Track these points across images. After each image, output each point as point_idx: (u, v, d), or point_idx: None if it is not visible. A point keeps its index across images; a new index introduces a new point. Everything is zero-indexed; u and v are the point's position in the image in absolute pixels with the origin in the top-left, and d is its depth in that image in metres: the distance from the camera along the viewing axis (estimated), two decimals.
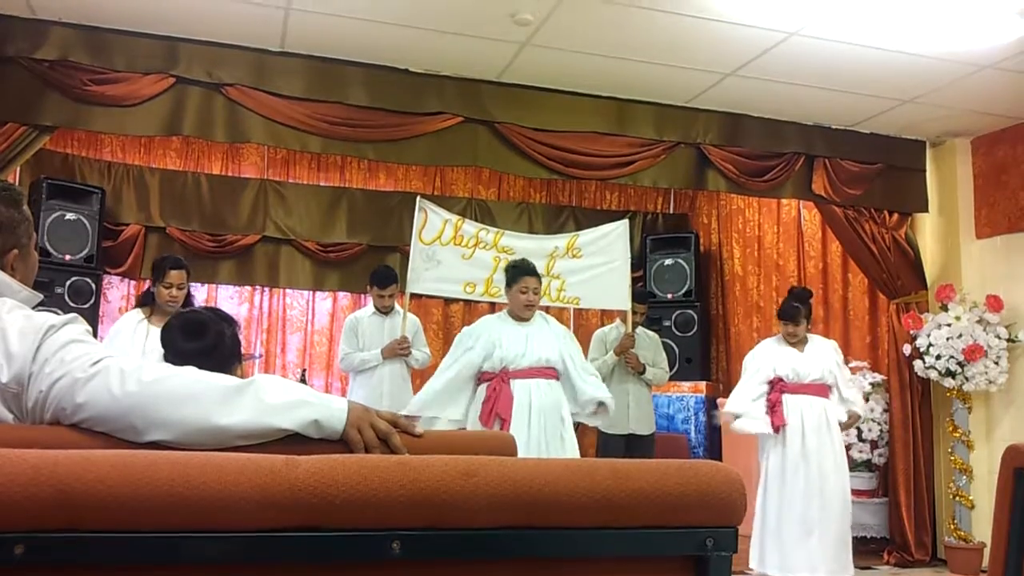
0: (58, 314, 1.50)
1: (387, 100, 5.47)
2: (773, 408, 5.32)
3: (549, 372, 4.99)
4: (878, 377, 6.66)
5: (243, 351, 7.83)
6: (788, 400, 5.30)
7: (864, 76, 5.40)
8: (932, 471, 6.44)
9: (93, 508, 1.01)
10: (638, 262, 8.32)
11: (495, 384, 4.91)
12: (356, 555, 1.10)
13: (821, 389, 5.34)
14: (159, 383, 1.37)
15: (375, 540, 1.09)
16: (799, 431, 5.24)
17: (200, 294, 7.45)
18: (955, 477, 6.20)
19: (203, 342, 2.45)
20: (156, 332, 4.62)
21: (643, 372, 6.08)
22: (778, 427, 5.25)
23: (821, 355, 5.41)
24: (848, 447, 6.02)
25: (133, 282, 7.46)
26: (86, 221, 6.74)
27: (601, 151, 5.91)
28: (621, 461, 1.24)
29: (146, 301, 4.86)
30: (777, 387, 5.36)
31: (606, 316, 7.11)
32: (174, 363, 1.69)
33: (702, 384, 8.02)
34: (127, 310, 6.36)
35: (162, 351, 2.55)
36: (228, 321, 2.69)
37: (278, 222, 7.88)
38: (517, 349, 4.94)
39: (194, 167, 7.86)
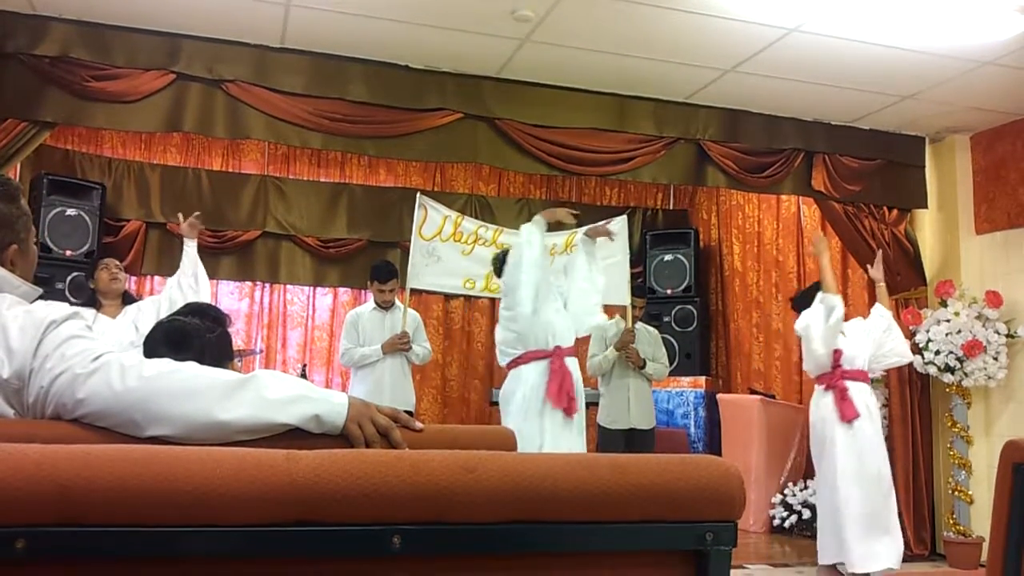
0: (70, 300, 1.51)
1: (387, 96, 5.47)
2: (843, 397, 5.09)
3: (575, 350, 5.00)
4: (877, 372, 6.66)
5: (244, 346, 7.81)
6: (851, 387, 5.11)
7: (864, 72, 5.40)
8: (931, 466, 6.44)
9: (94, 502, 1.01)
10: (638, 258, 8.34)
11: (557, 364, 4.81)
12: (357, 550, 1.10)
13: (865, 376, 5.22)
14: (160, 378, 1.37)
15: (376, 535, 1.09)
16: (862, 421, 5.07)
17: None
18: (954, 472, 6.21)
19: (187, 354, 2.37)
20: (104, 319, 4.75)
21: (643, 367, 6.08)
22: (851, 419, 5.01)
23: (860, 340, 5.31)
24: None
25: (134, 278, 7.45)
26: (87, 217, 6.75)
27: (601, 147, 5.91)
28: (621, 456, 1.25)
29: (90, 303, 4.92)
30: (838, 372, 5.15)
31: (605, 312, 7.11)
32: None
33: (701, 379, 8.04)
34: None
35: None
36: (217, 321, 2.63)
37: (279, 218, 7.89)
38: (561, 323, 4.92)
39: (195, 163, 7.87)
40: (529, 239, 4.77)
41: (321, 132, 5.43)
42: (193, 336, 2.46)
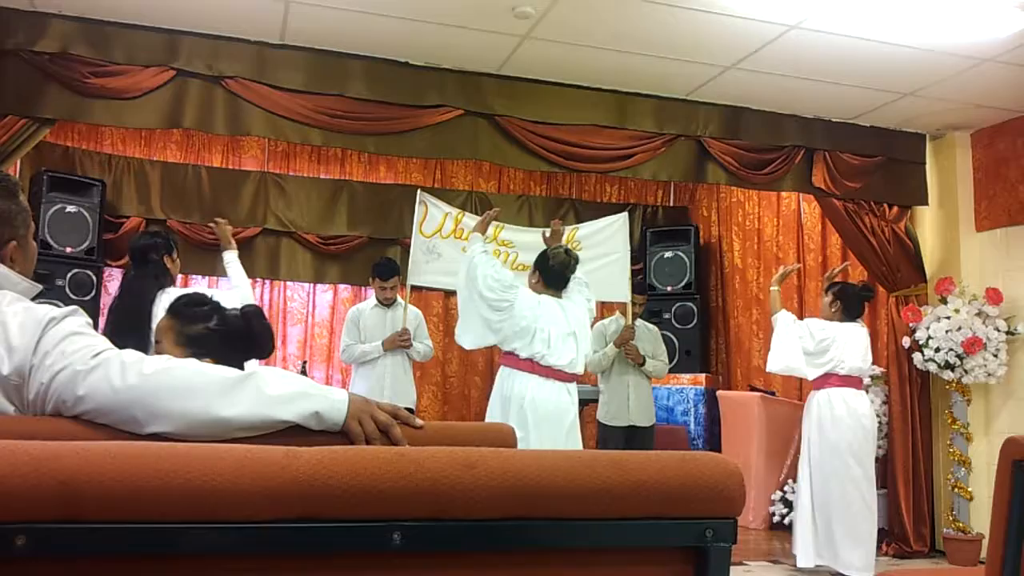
0: (59, 306, 1.51)
1: (388, 93, 5.46)
2: None
3: None
4: (877, 370, 6.64)
5: None
6: None
7: (864, 69, 5.40)
8: (931, 463, 6.44)
9: (93, 499, 1.01)
10: (638, 255, 8.34)
11: None
12: (357, 546, 1.10)
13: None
14: (160, 375, 1.37)
15: (376, 531, 1.09)
16: None
17: (200, 287, 7.45)
18: (954, 469, 6.21)
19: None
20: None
21: (643, 364, 6.09)
22: None
23: None
24: None
25: None
26: (87, 214, 6.75)
27: (601, 144, 5.91)
28: (621, 452, 1.25)
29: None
30: None
31: (605, 308, 7.12)
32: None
33: (701, 376, 8.04)
34: None
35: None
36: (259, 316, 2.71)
37: (279, 215, 7.88)
38: None
39: (195, 160, 7.87)
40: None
41: (321, 129, 5.42)
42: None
